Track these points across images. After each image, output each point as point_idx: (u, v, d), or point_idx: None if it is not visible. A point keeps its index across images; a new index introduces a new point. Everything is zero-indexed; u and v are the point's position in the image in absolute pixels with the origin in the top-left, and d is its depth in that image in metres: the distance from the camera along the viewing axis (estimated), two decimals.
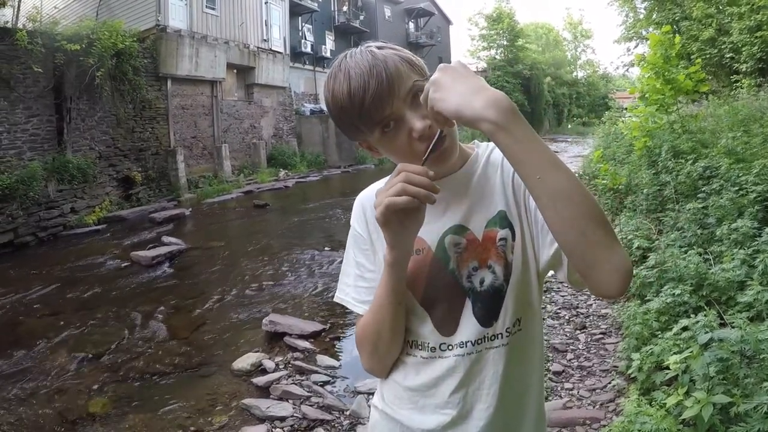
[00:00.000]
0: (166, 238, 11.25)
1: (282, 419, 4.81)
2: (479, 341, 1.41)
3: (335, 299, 1.61)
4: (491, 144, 1.47)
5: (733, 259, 4.15)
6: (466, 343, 1.41)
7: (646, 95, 9.39)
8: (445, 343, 1.44)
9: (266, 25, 25.65)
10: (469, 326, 1.41)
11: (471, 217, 1.42)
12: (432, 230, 1.41)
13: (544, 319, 6.24)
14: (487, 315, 1.41)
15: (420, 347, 1.48)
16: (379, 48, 1.34)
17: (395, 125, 1.31)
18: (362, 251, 1.53)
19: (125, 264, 10.00)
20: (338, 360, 5.97)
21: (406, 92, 1.30)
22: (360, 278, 1.54)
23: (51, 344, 6.69)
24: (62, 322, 7.39)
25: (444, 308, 1.43)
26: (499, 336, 1.42)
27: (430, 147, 1.25)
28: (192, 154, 19.49)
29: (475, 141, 1.56)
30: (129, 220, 13.66)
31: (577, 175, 1.47)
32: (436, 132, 1.28)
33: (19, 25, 13.79)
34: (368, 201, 1.52)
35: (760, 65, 13.05)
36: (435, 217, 1.40)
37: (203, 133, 20.58)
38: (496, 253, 1.40)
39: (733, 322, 2.94)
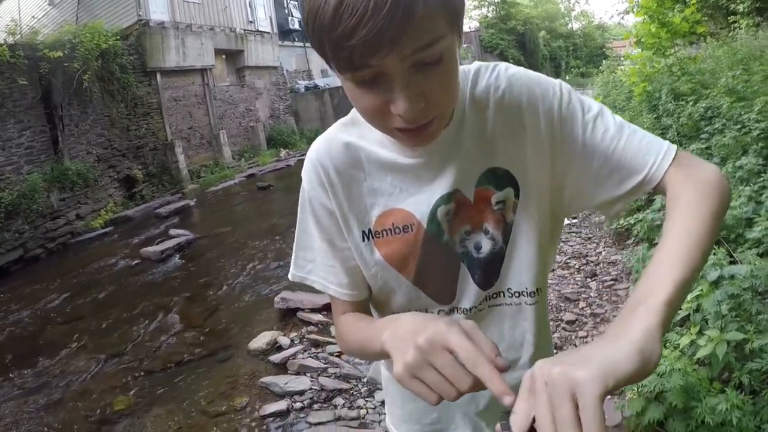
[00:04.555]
0: (173, 231, 11.27)
1: (301, 393, 4.86)
2: (481, 303, 1.30)
3: (292, 277, 1.35)
4: (469, 73, 1.19)
5: (739, 196, 4.07)
6: (470, 309, 1.29)
7: (642, 40, 9.14)
8: (443, 310, 1.31)
9: (250, 6, 25.24)
10: (468, 293, 1.28)
11: (461, 177, 1.19)
12: (421, 202, 1.20)
13: (553, 270, 6.26)
14: (488, 279, 1.27)
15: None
16: None
17: (374, 81, 0.93)
18: (328, 227, 1.27)
19: (136, 262, 10.04)
20: None
21: (417, 47, 0.88)
22: (331, 257, 1.29)
23: (71, 350, 6.75)
24: (80, 327, 7.45)
25: (439, 281, 1.28)
26: (501, 294, 1.30)
27: None
28: (190, 145, 19.44)
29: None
30: (135, 218, 13.68)
31: None
32: (431, 119, 0.99)
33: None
34: (328, 156, 1.23)
35: (757, 4, 12.62)
36: (424, 184, 1.20)
37: (199, 122, 20.49)
38: (493, 216, 1.21)
39: (743, 260, 2.89)
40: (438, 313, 1.29)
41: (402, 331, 0.94)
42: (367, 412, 4.47)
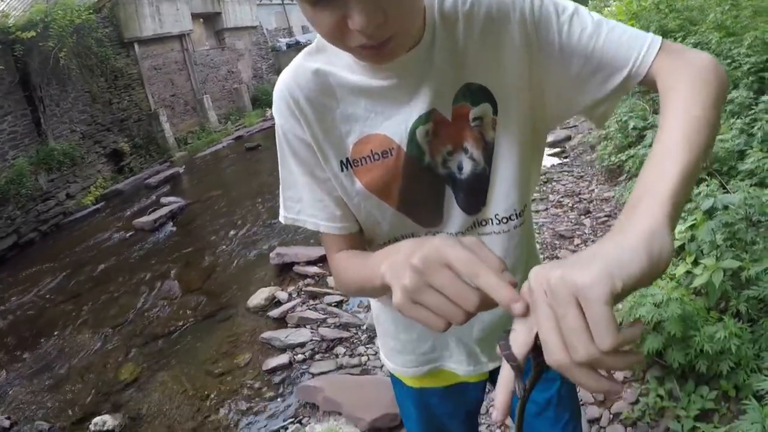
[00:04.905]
0: (164, 199, 11.19)
1: (302, 345, 4.87)
2: (468, 229, 1.26)
3: (284, 220, 1.31)
4: None
5: (730, 129, 4.03)
6: (456, 233, 1.25)
7: None
8: (431, 232, 1.27)
9: None
10: (455, 216, 1.25)
11: (436, 95, 1.13)
12: (398, 124, 1.15)
13: (546, 209, 6.27)
14: (473, 203, 1.24)
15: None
16: None
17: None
18: (307, 159, 1.22)
19: (129, 234, 9.98)
20: None
21: None
22: (317, 190, 1.24)
23: (73, 327, 6.74)
24: (80, 304, 7.43)
25: (424, 206, 1.24)
26: (489, 222, 1.26)
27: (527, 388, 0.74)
28: (175, 113, 19.20)
29: None
30: (125, 191, 13.55)
31: None
32: (391, 36, 0.94)
33: None
34: (296, 85, 1.17)
35: None
36: (399, 106, 1.15)
37: (182, 89, 20.21)
38: (472, 134, 1.17)
39: (737, 189, 2.85)
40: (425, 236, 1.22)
41: (399, 257, 0.83)
42: (368, 359, 4.47)
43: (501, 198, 1.23)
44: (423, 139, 1.15)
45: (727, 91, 1.00)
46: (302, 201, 1.26)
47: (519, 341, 0.71)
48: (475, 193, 1.23)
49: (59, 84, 14.32)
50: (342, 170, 1.19)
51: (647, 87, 1.05)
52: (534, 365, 0.72)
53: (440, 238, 0.79)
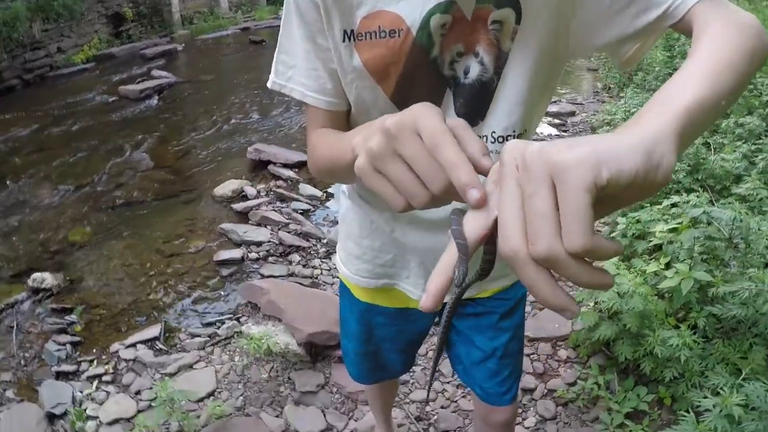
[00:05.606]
0: (156, 72, 10.81)
1: (258, 244, 4.75)
2: None
3: (271, 85, 1.24)
4: None
5: (734, 151, 3.99)
6: None
7: None
8: None
9: None
10: None
11: None
12: (415, 6, 1.06)
13: None
14: (471, 113, 1.17)
15: None
16: None
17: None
18: (313, 22, 1.13)
19: (113, 99, 9.68)
20: (322, 190, 5.78)
21: None
22: (314, 58, 1.16)
23: (35, 179, 6.57)
24: (48, 158, 7.22)
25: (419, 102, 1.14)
26: (484, 139, 1.17)
27: None
28: None
29: None
30: (119, 57, 13.09)
31: None
32: None
33: None
34: None
35: None
36: None
37: None
38: (487, 39, 1.09)
39: (727, 208, 2.77)
40: None
41: (375, 123, 0.73)
42: (321, 273, 4.36)
43: (502, 115, 1.17)
44: (437, 30, 1.07)
45: (767, 52, 0.87)
46: (295, 68, 1.19)
47: (473, 223, 0.59)
48: (475, 103, 1.16)
49: None
50: (343, 40, 1.11)
51: (681, 32, 0.95)
52: (484, 253, 0.61)
53: (424, 105, 0.66)
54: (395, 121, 0.64)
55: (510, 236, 0.51)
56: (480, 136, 1.13)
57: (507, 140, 1.17)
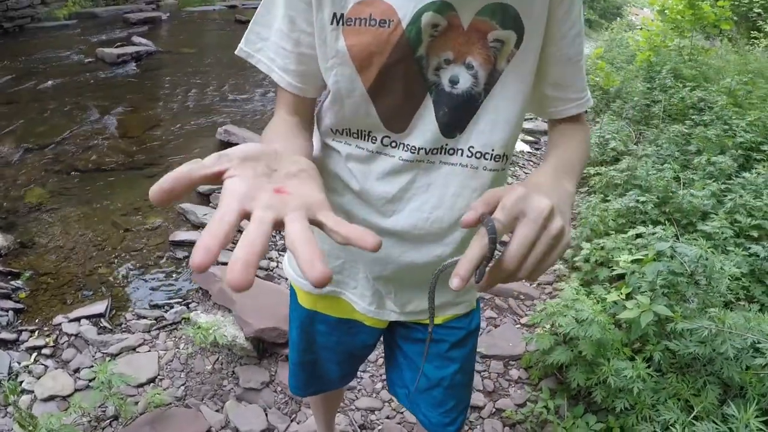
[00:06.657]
0: (136, 39, 10.53)
1: None
2: (434, 151, 1.18)
3: (239, 52, 1.22)
4: None
5: (704, 188, 4.06)
6: (419, 149, 1.17)
7: (666, 11, 9.18)
8: (389, 138, 1.18)
9: None
10: (426, 131, 1.16)
11: None
12: None
13: None
14: (452, 124, 1.16)
15: (358, 136, 1.20)
16: None
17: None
18: (295, 2, 1.11)
19: (89, 60, 9.40)
20: None
21: None
22: (286, 37, 1.15)
23: None
24: (13, 112, 6.99)
25: (395, 101, 1.14)
26: (460, 152, 1.16)
27: None
28: None
29: None
30: (102, 17, 12.78)
31: None
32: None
33: None
34: None
35: None
36: None
37: None
38: (483, 54, 1.09)
39: (696, 245, 2.79)
40: (382, 141, 1.19)
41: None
42: (278, 266, 4.24)
43: (485, 130, 1.17)
44: (427, 28, 1.06)
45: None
46: (268, 41, 1.18)
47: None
48: (459, 114, 1.15)
49: None
50: (331, 23, 1.09)
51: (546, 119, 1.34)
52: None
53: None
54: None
55: (512, 259, 0.78)
56: (456, 149, 1.18)
57: (484, 158, 1.19)
